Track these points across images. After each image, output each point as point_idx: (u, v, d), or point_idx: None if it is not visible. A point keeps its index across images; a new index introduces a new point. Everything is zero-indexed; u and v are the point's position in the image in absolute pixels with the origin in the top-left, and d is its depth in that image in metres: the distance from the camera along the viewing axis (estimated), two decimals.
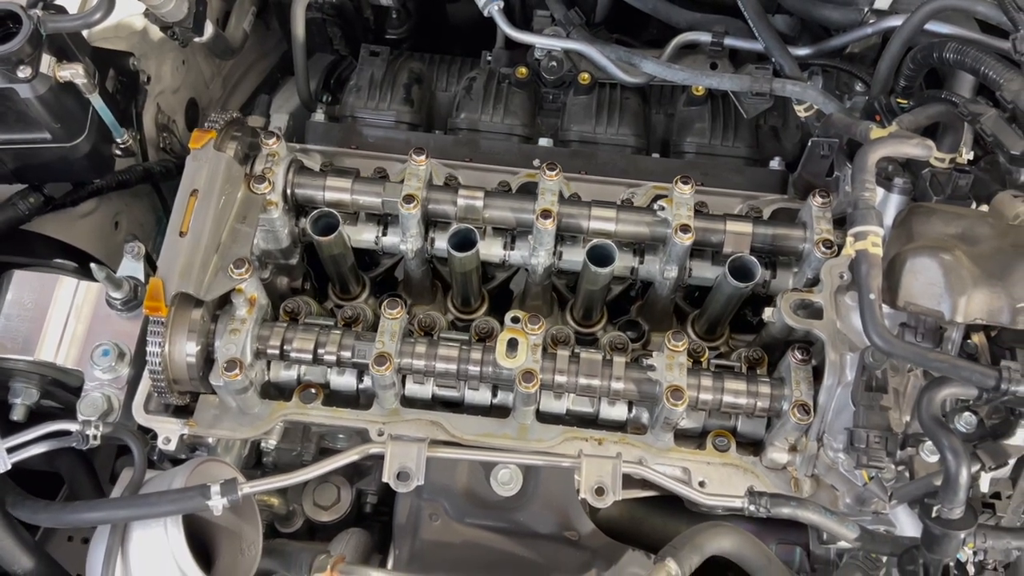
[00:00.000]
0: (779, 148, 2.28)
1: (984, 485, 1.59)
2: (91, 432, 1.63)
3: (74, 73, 1.74)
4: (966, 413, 1.56)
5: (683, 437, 1.82)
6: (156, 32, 2.22)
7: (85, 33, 1.91)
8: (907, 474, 1.60)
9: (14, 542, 1.69)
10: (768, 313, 1.79)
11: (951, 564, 1.52)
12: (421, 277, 2.01)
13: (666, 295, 1.93)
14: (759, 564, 1.68)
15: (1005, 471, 1.59)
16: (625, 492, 1.91)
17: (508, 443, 1.74)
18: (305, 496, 2.02)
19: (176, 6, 2.02)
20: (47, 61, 1.72)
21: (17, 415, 1.82)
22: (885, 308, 1.52)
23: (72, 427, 1.63)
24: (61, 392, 1.87)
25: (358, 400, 1.86)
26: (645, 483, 1.90)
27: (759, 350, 1.87)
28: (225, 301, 1.76)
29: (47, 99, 1.73)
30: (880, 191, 1.77)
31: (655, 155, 2.26)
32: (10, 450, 1.55)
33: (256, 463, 1.96)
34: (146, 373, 1.75)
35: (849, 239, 1.54)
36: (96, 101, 1.84)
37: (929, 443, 1.57)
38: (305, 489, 2.02)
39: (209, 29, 2.23)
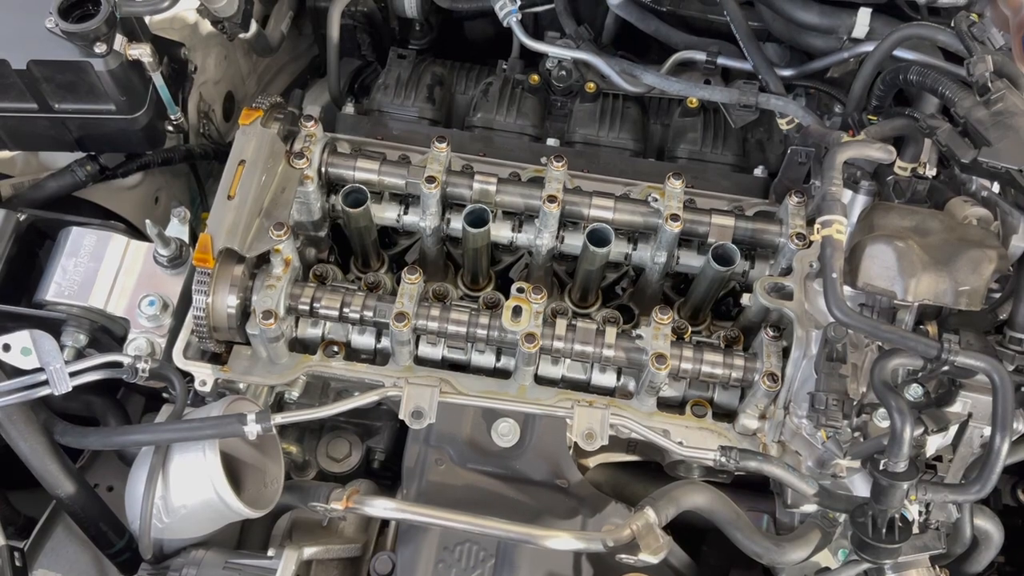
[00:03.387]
0: (763, 159, 2.51)
1: (929, 449, 1.80)
2: (140, 366, 1.82)
3: (142, 52, 1.97)
4: (914, 385, 1.78)
5: (665, 405, 2.02)
6: (205, 27, 2.45)
7: (147, 21, 2.13)
8: (861, 438, 1.81)
9: (60, 468, 1.88)
10: (746, 298, 2.01)
11: (897, 517, 1.72)
12: (435, 256, 2.22)
13: (656, 281, 2.15)
14: (729, 519, 1.86)
15: (947, 437, 1.80)
16: (610, 455, 2.14)
17: (510, 400, 1.95)
18: (319, 449, 2.21)
19: (228, 3, 2.26)
20: (120, 40, 1.93)
21: (67, 356, 1.98)
22: (846, 289, 1.74)
23: (124, 360, 1.82)
24: (107, 339, 2.06)
25: (375, 359, 2.07)
26: (629, 446, 2.11)
27: (736, 330, 2.09)
28: (263, 261, 1.97)
29: (117, 74, 1.95)
30: (848, 193, 2.01)
31: (651, 159, 2.49)
32: (71, 375, 1.75)
33: None
34: (187, 321, 1.95)
35: (817, 227, 1.75)
36: (157, 79, 2.06)
37: (881, 410, 1.78)
38: (319, 443, 2.22)
39: (253, 27, 2.47)
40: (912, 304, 1.76)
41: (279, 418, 1.75)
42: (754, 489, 2.15)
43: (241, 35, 2.44)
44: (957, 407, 1.76)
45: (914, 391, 1.77)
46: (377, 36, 2.86)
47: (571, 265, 2.26)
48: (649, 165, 2.42)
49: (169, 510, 1.76)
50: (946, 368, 1.64)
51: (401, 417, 1.85)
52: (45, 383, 1.74)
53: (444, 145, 2.07)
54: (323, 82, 2.83)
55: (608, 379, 2.03)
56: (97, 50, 1.89)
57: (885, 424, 1.77)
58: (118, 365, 1.81)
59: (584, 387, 2.04)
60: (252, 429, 1.71)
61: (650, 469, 2.19)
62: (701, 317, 2.20)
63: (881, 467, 1.64)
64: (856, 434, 1.81)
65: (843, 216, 1.73)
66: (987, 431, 1.78)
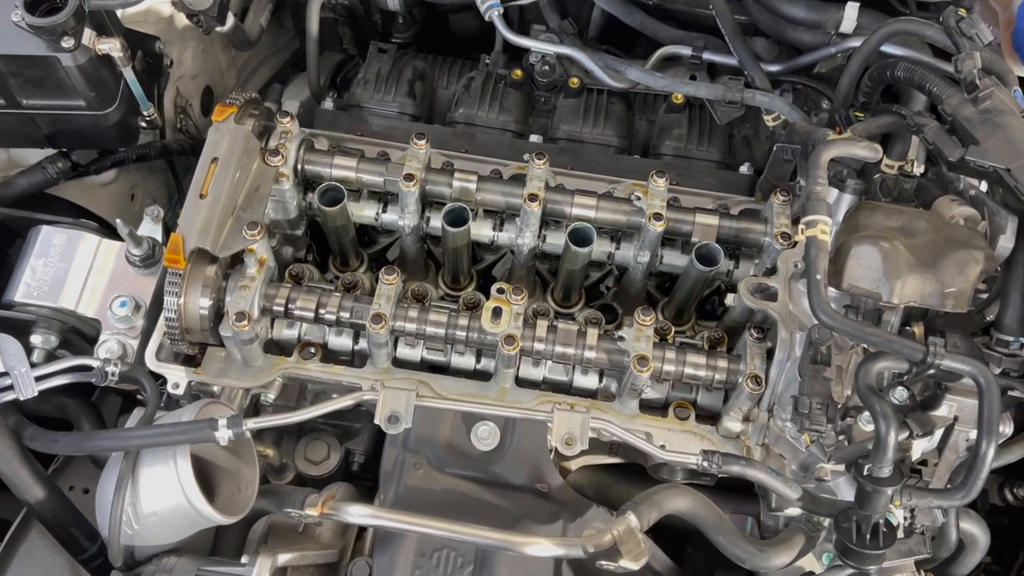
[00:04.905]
0: (750, 156, 2.47)
1: (915, 453, 1.78)
2: (110, 369, 1.78)
3: (112, 47, 1.92)
4: (899, 388, 1.75)
5: (647, 407, 1.99)
6: (181, 20, 2.40)
7: (120, 15, 2.08)
8: (846, 442, 1.78)
9: (29, 473, 1.84)
10: (730, 298, 1.97)
11: (881, 522, 1.69)
12: (416, 254, 2.18)
13: (639, 280, 2.11)
14: (711, 523, 1.84)
15: (933, 442, 1.77)
16: (592, 457, 2.10)
17: (489, 403, 1.91)
18: (297, 451, 2.17)
19: None
20: (88, 35, 1.88)
21: (37, 358, 1.96)
22: (831, 291, 1.71)
23: (93, 363, 1.78)
24: (78, 340, 2.02)
25: (352, 361, 2.03)
26: (612, 448, 2.08)
27: (720, 331, 2.06)
28: (236, 261, 1.93)
29: (86, 69, 1.90)
30: (834, 191, 1.97)
31: (636, 156, 2.45)
32: (38, 379, 1.70)
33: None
34: (160, 323, 1.91)
35: (801, 227, 1.72)
36: (128, 74, 2.01)
37: (866, 414, 1.76)
38: (297, 445, 2.18)
39: (230, 20, 2.41)
40: (898, 306, 1.73)
41: (251, 423, 1.71)
42: (738, 491, 2.12)
43: (218, 29, 2.38)
44: (943, 411, 1.73)
45: (899, 394, 1.74)
46: (359, 30, 2.81)
47: (554, 264, 2.22)
48: (633, 162, 2.38)
49: (139, 517, 1.72)
50: (932, 371, 1.62)
51: (377, 422, 1.82)
52: (11, 387, 1.70)
53: (423, 142, 2.03)
54: (303, 76, 2.78)
55: (590, 381, 1.99)
56: (65, 45, 1.85)
57: (870, 428, 1.74)
58: (87, 369, 1.77)
59: (566, 389, 2.00)
60: (223, 435, 1.67)
61: (633, 471, 2.15)
62: (685, 317, 2.17)
63: (865, 472, 1.62)
64: (840, 437, 1.78)
65: (828, 216, 1.70)
66: (973, 435, 1.76)
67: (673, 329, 2.07)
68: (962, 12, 1.91)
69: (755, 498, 2.09)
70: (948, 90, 1.81)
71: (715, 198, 2.23)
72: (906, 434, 1.68)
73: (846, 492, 1.87)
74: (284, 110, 2.06)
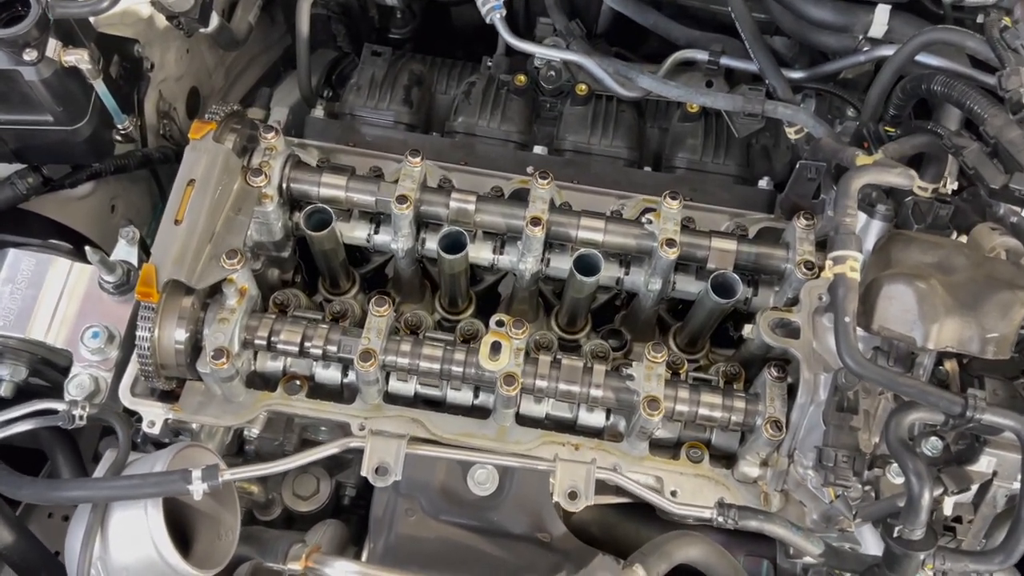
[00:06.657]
0: (769, 168, 2.32)
1: (948, 509, 1.64)
2: (77, 412, 1.65)
3: (79, 59, 1.77)
4: (933, 438, 1.61)
5: (658, 447, 1.85)
6: (162, 20, 2.24)
7: (92, 19, 1.93)
8: (873, 494, 1.64)
9: None
10: (747, 330, 1.83)
11: None
12: (411, 276, 2.04)
13: (650, 306, 1.97)
14: (725, 574, 1.72)
15: (968, 496, 1.63)
16: (598, 497, 1.96)
17: (487, 444, 1.77)
18: (285, 486, 2.04)
19: None
20: (53, 45, 1.74)
21: (5, 391, 1.84)
22: (860, 332, 1.56)
23: (59, 406, 1.65)
24: (49, 371, 1.90)
25: (342, 394, 1.89)
26: (619, 489, 1.94)
27: (737, 365, 1.92)
28: (216, 290, 1.79)
29: (51, 82, 1.76)
30: (863, 216, 1.82)
31: (647, 168, 2.29)
32: None
33: (238, 451, 1.99)
34: (134, 356, 1.77)
35: (828, 262, 1.58)
36: (99, 87, 1.86)
37: (896, 465, 1.62)
38: (285, 479, 2.05)
39: (215, 20, 2.25)
40: (933, 351, 1.58)
41: (228, 475, 1.58)
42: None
43: (201, 30, 2.23)
44: (981, 465, 1.59)
45: (933, 445, 1.60)
46: (354, 26, 2.66)
47: (559, 285, 2.08)
48: (644, 176, 2.23)
49: (109, 572, 1.60)
50: (970, 425, 1.47)
51: (364, 474, 1.68)
52: None
53: (418, 160, 1.88)
54: (295, 75, 2.63)
55: (596, 418, 1.85)
56: (27, 57, 1.70)
57: (899, 481, 1.61)
58: (52, 412, 1.64)
59: (570, 427, 1.86)
60: (197, 488, 1.54)
61: (641, 508, 2.02)
62: (699, 345, 2.03)
63: (895, 534, 1.49)
64: (867, 488, 1.64)
65: (858, 252, 1.55)
66: (1013, 486, 1.63)
67: (686, 362, 1.93)
68: (1006, 21, 1.75)
69: (771, 539, 1.95)
70: (991, 109, 1.65)
71: (731, 215, 2.08)
72: (940, 491, 1.54)
73: (871, 542, 1.74)
74: (268, 124, 1.91)
